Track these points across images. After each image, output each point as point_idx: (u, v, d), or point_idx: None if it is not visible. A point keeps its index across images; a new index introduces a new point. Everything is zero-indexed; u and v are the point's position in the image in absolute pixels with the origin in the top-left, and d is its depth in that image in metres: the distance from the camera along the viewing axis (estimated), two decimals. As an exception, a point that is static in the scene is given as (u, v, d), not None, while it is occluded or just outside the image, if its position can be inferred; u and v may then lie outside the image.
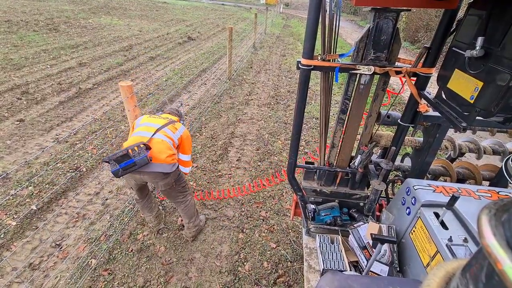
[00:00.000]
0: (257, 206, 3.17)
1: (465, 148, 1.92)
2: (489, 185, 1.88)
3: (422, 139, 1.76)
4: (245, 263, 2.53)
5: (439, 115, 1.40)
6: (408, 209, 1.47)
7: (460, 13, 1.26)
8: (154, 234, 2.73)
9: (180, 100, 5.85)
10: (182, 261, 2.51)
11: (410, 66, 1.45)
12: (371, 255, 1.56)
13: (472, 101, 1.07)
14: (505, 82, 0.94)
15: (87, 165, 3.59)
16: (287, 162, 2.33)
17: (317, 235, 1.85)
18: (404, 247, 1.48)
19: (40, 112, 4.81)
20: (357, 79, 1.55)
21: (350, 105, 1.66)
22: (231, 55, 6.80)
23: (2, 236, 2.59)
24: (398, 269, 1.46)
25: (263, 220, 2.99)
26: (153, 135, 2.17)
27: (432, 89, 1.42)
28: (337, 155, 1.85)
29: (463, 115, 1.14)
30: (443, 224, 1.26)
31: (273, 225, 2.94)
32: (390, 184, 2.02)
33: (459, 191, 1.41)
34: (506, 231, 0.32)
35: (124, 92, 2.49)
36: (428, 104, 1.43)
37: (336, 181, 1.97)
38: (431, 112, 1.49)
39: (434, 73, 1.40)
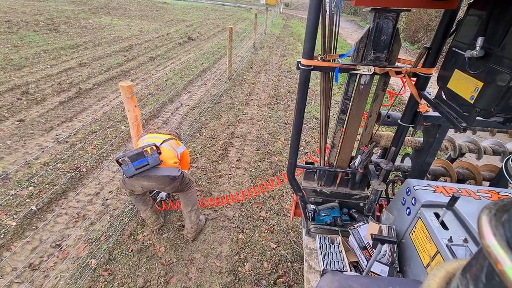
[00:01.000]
0: (257, 207, 3.17)
1: (465, 148, 1.92)
2: (489, 186, 1.88)
3: (422, 139, 1.76)
4: (245, 264, 2.53)
5: (439, 115, 1.40)
6: (408, 210, 1.47)
7: (460, 14, 1.27)
8: (155, 234, 2.73)
9: (180, 100, 5.85)
10: (182, 262, 2.51)
11: (410, 66, 1.45)
12: (371, 256, 1.56)
13: (472, 102, 1.07)
14: (505, 83, 0.94)
15: (87, 165, 3.59)
16: (287, 163, 2.33)
17: (317, 235, 1.85)
18: (404, 248, 1.48)
19: (40, 112, 4.81)
20: (357, 79, 1.55)
21: (350, 106, 1.66)
22: (231, 55, 6.80)
23: (2, 236, 2.59)
24: (398, 269, 1.46)
25: (263, 221, 2.99)
26: (161, 144, 2.36)
27: (432, 89, 1.42)
28: (337, 155, 1.85)
29: (463, 115, 1.14)
30: (443, 225, 1.26)
31: (273, 225, 2.93)
32: (390, 184, 2.02)
33: (459, 191, 1.41)
34: (506, 231, 0.32)
35: (124, 92, 2.49)
36: (428, 105, 1.43)
37: (336, 182, 1.97)
38: (431, 113, 1.49)
39: (434, 73, 1.40)
